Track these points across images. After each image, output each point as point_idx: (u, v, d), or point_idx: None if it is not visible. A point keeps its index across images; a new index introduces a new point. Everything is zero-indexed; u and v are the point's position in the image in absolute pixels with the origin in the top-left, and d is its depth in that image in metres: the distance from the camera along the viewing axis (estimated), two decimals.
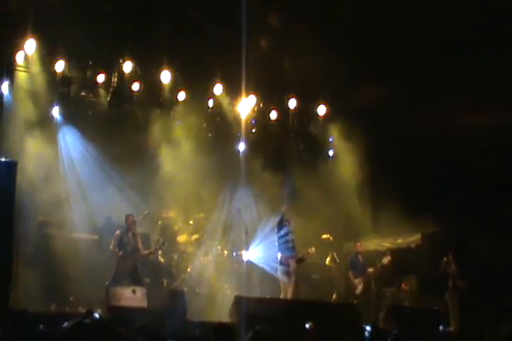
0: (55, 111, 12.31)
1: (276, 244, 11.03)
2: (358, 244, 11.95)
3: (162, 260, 12.20)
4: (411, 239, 13.17)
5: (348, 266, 11.85)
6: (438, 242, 12.37)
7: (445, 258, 10.99)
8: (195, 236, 12.71)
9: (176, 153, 13.21)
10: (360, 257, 11.84)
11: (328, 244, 12.76)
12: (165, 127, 13.24)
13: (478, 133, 12.25)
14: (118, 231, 10.71)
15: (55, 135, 12.47)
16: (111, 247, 10.68)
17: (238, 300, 9.52)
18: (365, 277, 11.56)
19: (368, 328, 7.39)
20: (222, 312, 9.49)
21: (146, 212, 12.48)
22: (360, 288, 11.50)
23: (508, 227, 11.59)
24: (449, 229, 12.51)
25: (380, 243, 13.39)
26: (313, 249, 11.21)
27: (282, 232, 11.03)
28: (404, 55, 12.22)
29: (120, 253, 10.61)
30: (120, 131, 12.68)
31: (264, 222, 12.03)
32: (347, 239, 13.38)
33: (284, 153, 14.56)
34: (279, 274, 10.98)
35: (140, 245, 10.81)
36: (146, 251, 10.92)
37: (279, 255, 10.97)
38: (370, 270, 11.60)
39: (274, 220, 11.03)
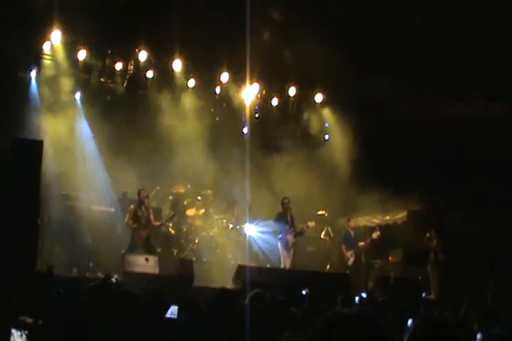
0: (77, 96, 12.58)
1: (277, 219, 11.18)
2: (351, 220, 11.98)
3: (172, 232, 12.22)
4: (398, 216, 13.18)
5: (341, 240, 11.91)
6: (422, 219, 12.38)
7: (428, 234, 11.06)
8: (202, 211, 12.69)
9: (186, 135, 13.25)
10: (352, 232, 11.88)
11: (324, 220, 12.85)
12: (176, 111, 13.29)
13: (459, 118, 12.32)
14: (132, 206, 10.70)
15: (77, 117, 12.59)
16: (126, 220, 10.62)
17: (241, 269, 9.61)
18: (356, 250, 11.62)
19: (364, 295, 7.41)
20: (225, 279, 9.56)
21: (158, 188, 12.55)
22: (351, 260, 11.59)
23: (484, 205, 11.70)
24: (432, 207, 12.56)
25: (370, 219, 13.43)
26: (312, 223, 11.27)
27: (282, 209, 11.19)
28: (399, 45, 12.18)
29: (135, 225, 10.64)
30: (135, 114, 12.90)
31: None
32: (340, 215, 13.43)
33: (284, 136, 14.64)
34: (279, 246, 11.06)
35: (152, 217, 10.79)
36: (158, 223, 10.94)
37: (279, 229, 11.10)
38: (361, 244, 11.65)
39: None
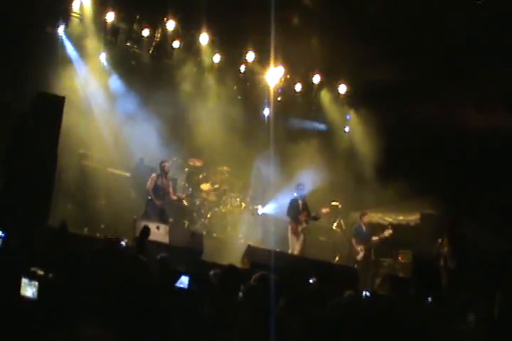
0: (102, 57, 12.35)
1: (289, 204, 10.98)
2: (365, 215, 11.77)
3: (186, 203, 12.04)
4: (411, 217, 12.91)
5: (353, 233, 11.67)
6: (434, 224, 12.11)
7: (440, 240, 10.75)
8: (217, 186, 12.50)
9: (207, 109, 13.06)
10: (364, 227, 11.65)
11: (337, 211, 12.61)
12: (199, 84, 13.07)
13: (484, 128, 12.07)
14: (154, 175, 10.54)
15: (101, 77, 12.30)
16: (148, 186, 10.44)
17: (250, 249, 9.44)
18: (367, 245, 11.38)
19: (368, 293, 7.15)
20: (234, 258, 9.35)
21: (174, 159, 12.20)
22: (361, 254, 11.35)
23: (496, 216, 11.47)
24: (445, 213, 12.28)
25: (383, 217, 13.14)
26: (327, 209, 11.08)
27: (297, 195, 10.96)
28: (427, 38, 11.81)
29: (153, 195, 10.48)
30: (158, 82, 12.57)
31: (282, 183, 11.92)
32: (353, 209, 13.21)
33: (304, 123, 14.45)
34: (289, 231, 10.85)
35: (171, 190, 10.70)
36: (175, 197, 10.81)
37: (290, 214, 10.88)
38: (374, 239, 11.39)
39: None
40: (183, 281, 5.42)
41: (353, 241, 11.51)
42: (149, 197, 10.40)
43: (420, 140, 12.74)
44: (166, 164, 10.66)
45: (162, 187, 10.49)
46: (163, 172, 10.53)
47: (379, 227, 12.22)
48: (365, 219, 11.70)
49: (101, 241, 8.12)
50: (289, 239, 10.81)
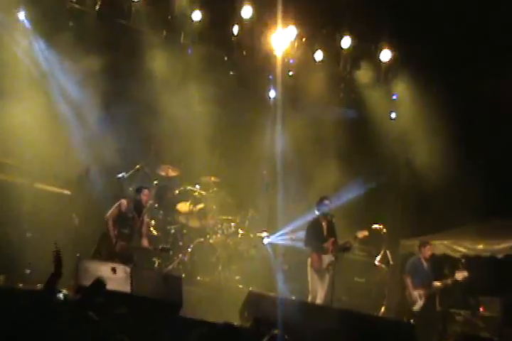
0: (22, 15, 12.10)
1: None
2: (428, 245, 11.65)
3: (155, 233, 12.01)
4: (498, 246, 12.70)
5: (407, 271, 11.56)
6: None
7: None
8: (200, 206, 12.53)
9: (185, 94, 13.05)
10: (425, 263, 11.57)
11: (380, 237, 12.43)
12: (172, 56, 13.01)
13: None
14: (125, 201, 10.57)
15: (23, 46, 12.15)
16: (110, 213, 10.45)
17: (252, 298, 9.52)
18: (428, 290, 11.29)
19: None
20: (229, 311, 9.45)
21: (137, 167, 12.20)
22: (420, 303, 11.26)
23: None
24: None
25: (452, 246, 13.06)
26: (365, 233, 10.92)
27: (319, 213, 10.94)
28: None
29: (115, 231, 10.37)
30: (111, 54, 12.48)
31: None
32: (407, 234, 13.30)
33: (329, 107, 14.41)
34: (309, 268, 10.78)
35: (145, 231, 10.66)
36: (148, 246, 10.65)
37: (310, 242, 10.87)
38: (437, 284, 11.29)
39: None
40: None
41: (408, 282, 11.41)
42: (104, 231, 10.35)
43: (502, 125, 12.88)
44: (146, 192, 10.62)
45: (132, 222, 10.50)
46: (140, 205, 10.60)
47: (446, 262, 12.19)
48: (428, 251, 11.62)
49: (26, 293, 8.05)
50: (308, 281, 10.74)
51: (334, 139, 13.72)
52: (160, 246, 10.79)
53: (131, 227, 10.48)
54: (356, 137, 14.06)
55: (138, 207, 10.56)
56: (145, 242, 10.62)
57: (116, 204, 10.49)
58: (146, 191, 10.66)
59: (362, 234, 10.94)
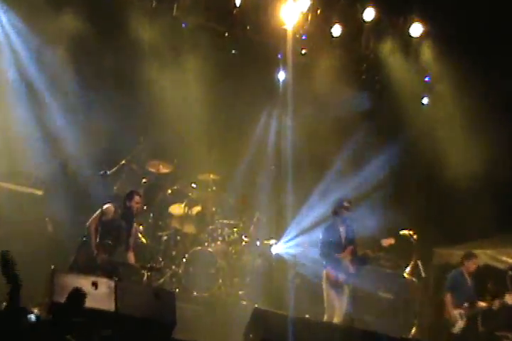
0: None
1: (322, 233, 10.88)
2: (473, 257, 11.52)
3: (144, 240, 12.06)
4: None
5: (449, 286, 11.40)
6: None
7: None
8: (197, 209, 12.61)
9: (179, 77, 13.14)
10: (468, 278, 11.43)
11: (410, 245, 12.33)
12: (163, 32, 13.05)
13: None
14: (111, 205, 10.54)
15: None
16: (91, 221, 10.41)
17: (259, 317, 9.40)
18: (471, 310, 11.16)
19: None
20: (232, 333, 9.56)
21: (123, 162, 12.33)
22: (460, 323, 11.12)
23: None
24: None
25: (496, 255, 12.94)
26: (391, 240, 10.82)
27: (337, 218, 10.83)
28: None
29: (97, 239, 10.31)
30: (89, 30, 12.50)
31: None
32: (439, 242, 13.29)
33: (349, 91, 14.28)
34: (325, 282, 10.68)
35: (133, 244, 10.69)
36: (134, 262, 10.65)
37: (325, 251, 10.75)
38: (482, 304, 11.18)
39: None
40: None
41: (448, 300, 11.32)
42: (84, 239, 10.36)
43: None
44: (137, 197, 10.59)
45: (117, 232, 10.49)
46: (129, 213, 10.62)
47: (490, 274, 12.06)
48: (473, 264, 11.51)
49: None
50: (324, 297, 10.66)
51: (354, 129, 13.75)
52: (148, 265, 10.74)
53: (117, 238, 10.49)
54: (380, 127, 14.05)
55: (127, 215, 10.57)
56: (131, 257, 10.64)
57: (100, 210, 10.38)
58: (137, 198, 10.65)
59: (387, 241, 10.84)
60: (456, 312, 11.18)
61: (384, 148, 13.47)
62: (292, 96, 13.16)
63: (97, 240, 10.30)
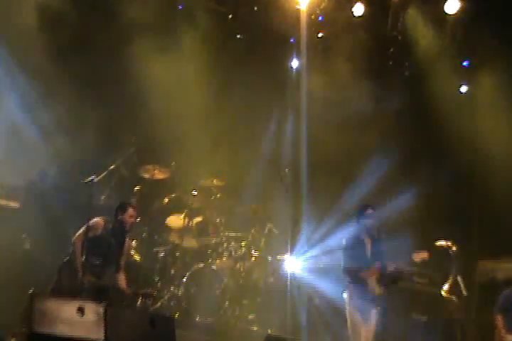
0: None
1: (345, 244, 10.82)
2: None
3: (137, 258, 12.14)
4: None
5: (502, 308, 11.09)
6: None
7: None
8: (199, 219, 12.65)
9: (176, 64, 13.22)
10: None
11: (448, 258, 12.36)
12: (157, 10, 13.18)
13: None
14: (101, 220, 10.50)
15: None
16: (77, 237, 10.34)
17: None
18: None
19: None
20: None
21: (112, 167, 12.31)
22: None
23: None
24: None
25: None
26: (424, 254, 10.63)
27: (361, 227, 10.73)
28: None
29: (82, 258, 10.20)
30: (70, 8, 12.60)
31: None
32: (483, 254, 13.33)
33: (373, 76, 14.37)
34: (347, 304, 10.59)
35: (125, 264, 10.64)
36: (125, 287, 10.59)
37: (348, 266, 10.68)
38: None
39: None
40: None
41: (499, 323, 11.03)
42: (67, 258, 10.29)
43: None
44: (131, 210, 10.47)
45: (107, 250, 10.45)
46: (121, 228, 10.57)
47: None
48: None
49: None
50: (348, 322, 10.56)
51: (380, 123, 13.82)
52: (141, 291, 10.77)
53: (106, 257, 10.42)
54: (411, 120, 14.09)
55: (118, 230, 10.47)
56: (122, 280, 10.55)
57: (87, 225, 10.20)
58: (131, 211, 10.50)
59: (420, 256, 10.68)
60: (510, 339, 11.14)
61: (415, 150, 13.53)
62: (307, 86, 13.21)
63: (83, 259, 10.15)
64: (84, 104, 12.55)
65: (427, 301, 12.66)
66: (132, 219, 10.48)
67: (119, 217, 10.41)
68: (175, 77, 13.05)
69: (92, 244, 10.15)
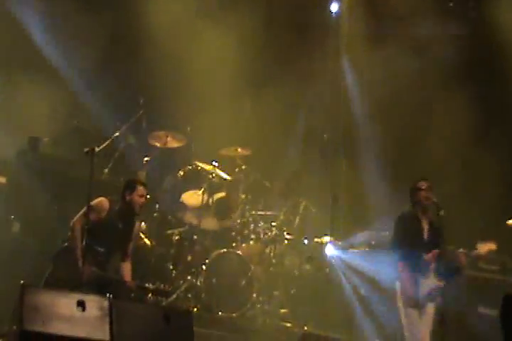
0: None
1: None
2: None
3: (148, 242, 12.24)
4: None
5: None
6: None
7: None
8: (220, 196, 12.70)
9: (198, 34, 13.60)
10: None
11: None
12: None
13: None
14: (105, 200, 10.64)
15: None
16: (76, 219, 10.42)
17: None
18: None
19: None
20: None
21: (116, 135, 12.30)
22: None
23: None
24: None
25: None
26: (491, 245, 10.86)
27: (415, 206, 10.78)
28: None
29: (83, 244, 10.19)
30: None
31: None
32: None
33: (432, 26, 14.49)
34: (398, 297, 10.61)
35: (132, 251, 10.78)
36: (130, 280, 10.66)
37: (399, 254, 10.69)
38: None
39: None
40: None
41: None
42: (65, 243, 10.42)
43: None
44: (141, 194, 10.56)
45: (113, 235, 10.59)
46: (129, 210, 10.69)
47: None
48: None
49: None
50: (401, 319, 10.57)
51: (441, 81, 13.84)
52: (153, 286, 10.63)
53: (111, 244, 10.54)
54: (480, 77, 14.00)
55: (126, 212, 10.59)
56: (127, 270, 10.66)
57: (88, 205, 10.16)
58: (141, 189, 10.60)
59: (486, 247, 10.92)
60: None
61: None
62: (349, 37, 13.40)
63: (84, 246, 10.20)
64: (88, 59, 12.95)
65: (499, 292, 12.54)
66: (142, 199, 10.54)
67: (127, 197, 10.49)
68: (202, 54, 13.32)
69: (95, 227, 10.18)
